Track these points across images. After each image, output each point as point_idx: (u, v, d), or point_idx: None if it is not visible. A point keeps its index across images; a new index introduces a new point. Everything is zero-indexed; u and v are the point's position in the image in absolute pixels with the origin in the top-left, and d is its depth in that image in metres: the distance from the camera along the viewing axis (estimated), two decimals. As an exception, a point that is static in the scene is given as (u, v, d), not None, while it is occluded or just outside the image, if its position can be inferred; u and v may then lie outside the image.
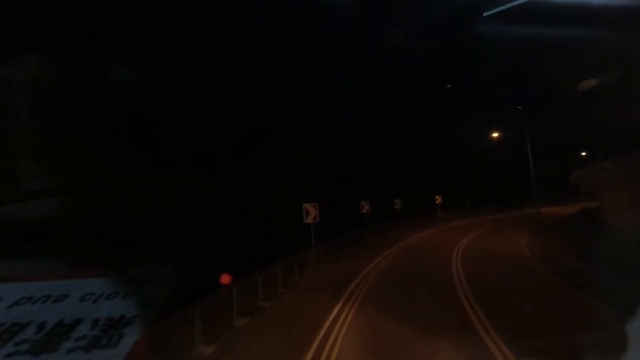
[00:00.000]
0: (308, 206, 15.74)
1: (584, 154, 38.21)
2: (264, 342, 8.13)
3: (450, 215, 35.77)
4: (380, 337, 7.81)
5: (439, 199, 33.95)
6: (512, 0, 8.58)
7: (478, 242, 20.15)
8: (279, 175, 24.89)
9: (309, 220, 15.70)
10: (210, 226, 17.25)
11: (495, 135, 24.58)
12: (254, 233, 18.63)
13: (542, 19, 10.88)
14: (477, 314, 8.20)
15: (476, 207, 40.21)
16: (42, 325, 1.58)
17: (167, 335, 6.77)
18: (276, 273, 12.40)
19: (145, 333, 1.55)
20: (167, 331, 6.69)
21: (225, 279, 9.64)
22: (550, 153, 36.75)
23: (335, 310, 9.43)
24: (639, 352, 4.54)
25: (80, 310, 1.66)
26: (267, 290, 11.56)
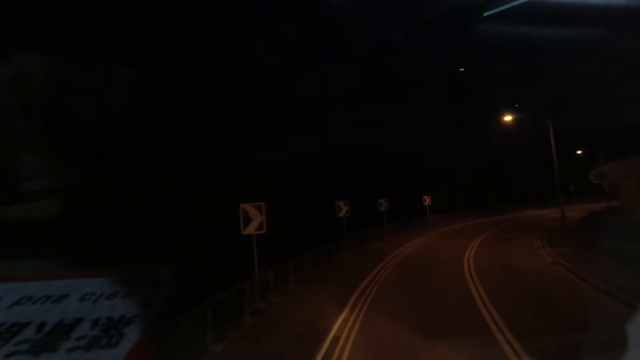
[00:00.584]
0: (248, 207, 10.00)
1: (579, 152, 38.29)
2: None
3: (442, 218, 32.40)
4: None
5: (427, 200, 30.04)
6: (512, 0, 8.58)
7: (488, 256, 15.59)
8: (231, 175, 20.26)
9: (251, 230, 9.92)
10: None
11: (507, 118, 21.11)
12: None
13: (542, 19, 10.89)
14: None
15: (468, 209, 36.92)
16: (42, 325, 1.58)
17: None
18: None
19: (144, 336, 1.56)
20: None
21: None
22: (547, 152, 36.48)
23: None
24: None
25: (80, 310, 1.66)
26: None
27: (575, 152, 38.08)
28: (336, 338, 7.39)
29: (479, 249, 17.88)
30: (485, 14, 9.05)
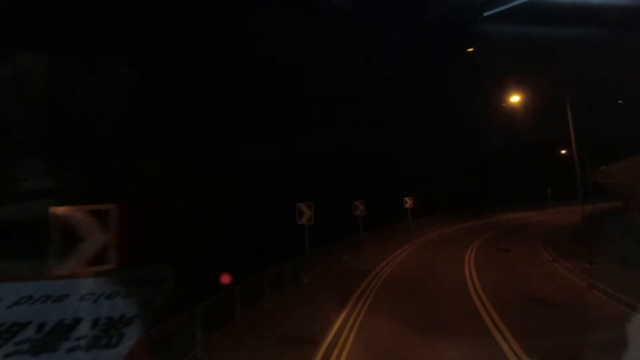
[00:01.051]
0: (76, 213, 3.54)
1: (563, 152, 37.68)
2: None
3: (425, 222, 30.07)
4: None
5: (409, 202, 26.86)
6: (512, 0, 8.59)
7: (496, 276, 12.06)
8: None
9: (83, 261, 3.07)
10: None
11: (515, 99, 18.02)
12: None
13: (542, 19, 10.89)
14: None
15: (453, 211, 35.40)
16: (42, 325, 1.58)
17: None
18: None
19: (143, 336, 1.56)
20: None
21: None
22: (529, 153, 36.53)
23: None
24: None
25: (80, 310, 1.66)
26: None
27: (559, 153, 37.26)
28: None
29: (480, 265, 14.32)
30: (485, 14, 9.05)
